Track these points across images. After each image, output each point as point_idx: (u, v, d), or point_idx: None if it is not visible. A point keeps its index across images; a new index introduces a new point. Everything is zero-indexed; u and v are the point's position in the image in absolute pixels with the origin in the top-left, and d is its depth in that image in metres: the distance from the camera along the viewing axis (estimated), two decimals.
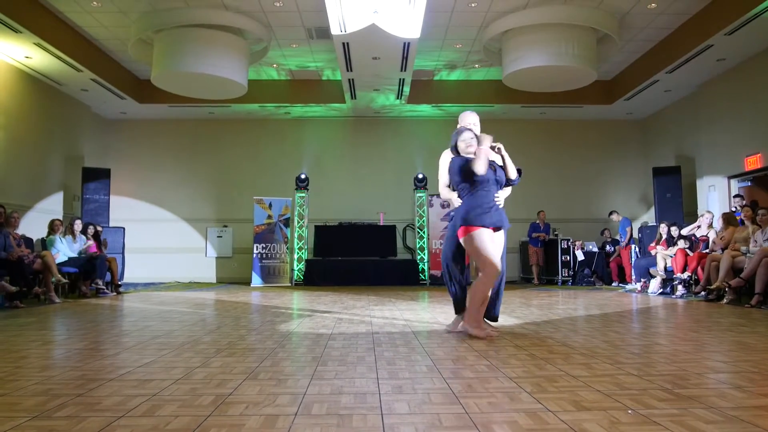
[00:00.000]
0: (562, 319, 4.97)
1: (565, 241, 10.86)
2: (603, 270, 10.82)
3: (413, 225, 12.29)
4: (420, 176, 11.91)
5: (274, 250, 11.25)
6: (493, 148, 3.74)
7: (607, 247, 10.94)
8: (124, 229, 10.69)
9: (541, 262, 11.28)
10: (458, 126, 4.15)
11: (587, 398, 2.16)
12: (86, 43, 9.26)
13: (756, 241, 6.54)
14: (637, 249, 10.16)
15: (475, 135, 3.88)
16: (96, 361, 3.01)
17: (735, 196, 8.68)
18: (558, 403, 2.08)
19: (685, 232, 8.30)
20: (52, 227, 7.81)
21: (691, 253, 7.66)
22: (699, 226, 8.28)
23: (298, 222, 11.74)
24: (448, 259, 4.08)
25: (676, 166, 10.72)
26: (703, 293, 7.03)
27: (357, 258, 11.44)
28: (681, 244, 7.92)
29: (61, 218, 8.66)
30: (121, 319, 5.18)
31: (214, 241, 12.46)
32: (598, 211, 12.38)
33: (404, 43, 8.51)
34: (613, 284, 10.49)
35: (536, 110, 12.01)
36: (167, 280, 11.97)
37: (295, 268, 11.53)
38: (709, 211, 8.45)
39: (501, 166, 3.86)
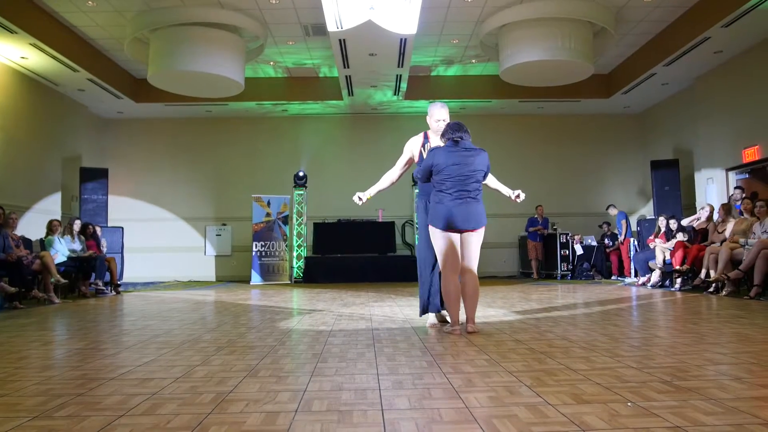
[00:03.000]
0: (562, 313, 4.98)
1: (564, 236, 10.87)
2: (602, 264, 10.84)
3: (412, 221, 12.29)
4: None
5: (273, 248, 11.24)
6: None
7: (606, 240, 10.95)
8: (122, 228, 10.67)
9: (540, 256, 11.29)
10: (430, 118, 4.08)
11: (587, 391, 2.16)
12: (82, 43, 9.23)
13: (754, 232, 6.55)
14: (636, 242, 10.17)
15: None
16: (96, 360, 3.01)
17: (736, 188, 8.69)
18: (558, 397, 2.09)
19: (685, 222, 8.30)
20: (51, 228, 7.80)
21: (689, 246, 7.67)
22: (699, 219, 8.28)
23: (297, 219, 11.74)
24: (424, 259, 4.09)
25: (674, 159, 10.73)
26: (701, 285, 7.05)
27: (356, 255, 11.44)
28: (680, 237, 7.93)
29: (59, 219, 8.64)
30: (120, 319, 5.18)
31: (213, 240, 12.45)
32: (597, 205, 12.39)
33: (401, 39, 8.49)
34: (612, 278, 10.51)
35: (534, 105, 11.99)
36: (166, 279, 11.96)
37: (295, 265, 11.54)
38: (709, 204, 8.45)
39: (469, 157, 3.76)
